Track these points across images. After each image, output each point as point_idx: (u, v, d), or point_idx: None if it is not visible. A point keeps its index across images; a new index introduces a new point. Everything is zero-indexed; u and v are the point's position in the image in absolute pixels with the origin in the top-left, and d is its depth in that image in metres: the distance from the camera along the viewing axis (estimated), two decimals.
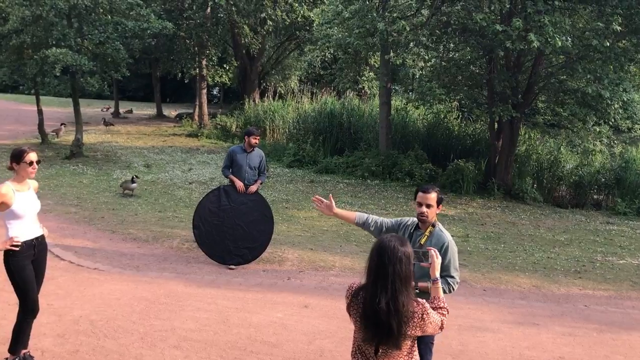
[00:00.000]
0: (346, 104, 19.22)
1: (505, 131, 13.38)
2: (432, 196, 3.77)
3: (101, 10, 16.19)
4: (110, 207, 10.69)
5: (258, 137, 7.83)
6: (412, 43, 11.80)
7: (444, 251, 3.73)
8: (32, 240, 4.57)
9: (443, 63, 12.06)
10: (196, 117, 25.15)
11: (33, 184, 4.70)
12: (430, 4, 10.95)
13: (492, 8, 10.95)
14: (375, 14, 11.16)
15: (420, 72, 14.58)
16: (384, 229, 4.06)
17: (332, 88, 26.47)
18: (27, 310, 4.59)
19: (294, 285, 7.04)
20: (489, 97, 12.63)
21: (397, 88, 15.62)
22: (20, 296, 4.58)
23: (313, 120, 18.98)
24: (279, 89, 28.05)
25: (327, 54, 19.75)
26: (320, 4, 20.00)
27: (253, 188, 7.72)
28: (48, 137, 18.94)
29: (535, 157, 15.61)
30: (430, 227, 3.82)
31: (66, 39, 14.97)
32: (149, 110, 32.40)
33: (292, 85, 28.81)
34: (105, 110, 30.56)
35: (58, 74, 14.46)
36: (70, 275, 6.99)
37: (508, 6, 10.77)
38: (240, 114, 22.57)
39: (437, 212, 3.85)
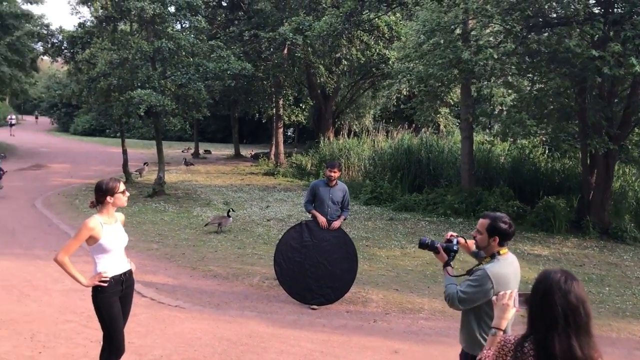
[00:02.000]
0: (424, 139, 18.77)
1: (599, 166, 12.49)
2: (482, 221, 3.52)
3: (183, 53, 16.73)
4: (190, 244, 10.67)
5: (337, 171, 7.54)
6: (499, 72, 11.29)
7: None
8: (120, 275, 4.42)
9: (534, 92, 11.43)
10: (272, 156, 25.40)
11: (120, 217, 4.60)
12: (518, 31, 10.46)
13: (583, 35, 10.36)
14: (460, 44, 10.79)
15: (509, 102, 13.94)
16: None
17: (407, 126, 26.13)
18: (113, 349, 4.41)
19: (381, 329, 6.59)
20: (581, 129, 11.86)
21: (481, 120, 15.00)
22: (106, 334, 4.41)
23: (390, 157, 18.64)
24: (354, 127, 27.96)
25: (404, 89, 19.44)
26: (396, 40, 19.84)
27: (336, 224, 7.40)
28: (132, 176, 19.56)
29: (632, 194, 14.51)
30: (488, 258, 3.51)
31: (150, 81, 15.50)
32: (227, 150, 33.17)
33: (366, 123, 28.67)
34: (185, 151, 31.50)
35: (142, 114, 14.90)
36: (151, 312, 6.87)
37: (601, 32, 10.14)
38: (315, 153, 22.55)
39: (498, 248, 3.47)
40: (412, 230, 12.23)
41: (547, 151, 17.32)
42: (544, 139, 16.90)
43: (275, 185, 19.73)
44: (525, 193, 14.88)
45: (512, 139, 14.70)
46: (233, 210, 12.42)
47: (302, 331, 6.39)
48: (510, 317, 2.68)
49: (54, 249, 9.86)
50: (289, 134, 39.43)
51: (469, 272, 3.55)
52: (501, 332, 2.63)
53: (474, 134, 17.09)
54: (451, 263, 3.68)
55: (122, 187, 4.43)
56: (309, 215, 7.69)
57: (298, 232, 7.45)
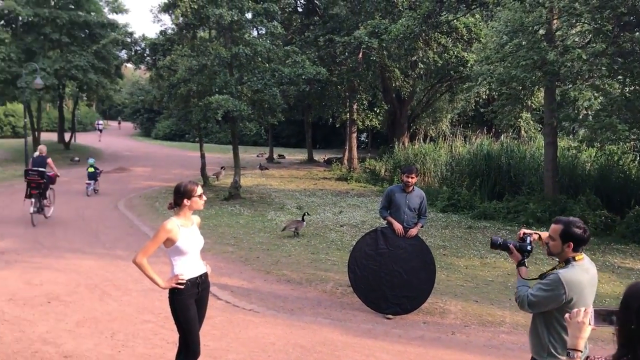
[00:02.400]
0: (504, 145, 18.09)
1: None
2: (554, 227, 3.33)
3: (260, 59, 16.95)
4: (265, 248, 10.70)
5: (414, 176, 7.28)
6: (587, 74, 10.65)
7: None
8: (196, 278, 4.41)
9: (627, 95, 10.69)
10: (345, 161, 25.31)
11: (196, 219, 4.59)
12: (609, 30, 9.83)
13: None
14: (545, 44, 10.25)
15: (596, 106, 13.16)
16: None
17: (485, 130, 25.33)
18: (189, 352, 4.40)
19: (460, 342, 6.29)
20: None
21: (564, 125, 14.26)
22: (182, 336, 4.40)
23: (468, 163, 18.11)
24: (430, 132, 27.42)
25: (484, 93, 18.81)
26: (476, 42, 19.27)
27: (413, 231, 7.15)
28: (209, 179, 20.00)
29: None
30: (563, 263, 3.33)
31: (227, 86, 15.78)
32: (300, 155, 33.42)
33: (443, 128, 28.06)
34: (260, 156, 32.04)
35: (220, 119, 15.18)
36: (226, 315, 6.88)
37: None
38: (390, 158, 22.25)
39: (572, 254, 3.28)
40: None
41: (638, 158, 16.27)
42: (635, 144, 15.90)
43: (349, 190, 19.60)
44: (613, 202, 14.00)
45: (599, 145, 13.91)
46: (308, 214, 12.42)
47: (376, 341, 6.20)
48: (586, 336, 2.41)
49: (134, 249, 10.15)
50: (362, 138, 39.28)
51: (542, 277, 3.36)
52: (579, 354, 2.40)
53: (558, 139, 16.29)
54: (526, 263, 3.51)
55: (199, 190, 4.41)
56: (384, 222, 7.49)
57: (373, 238, 7.25)
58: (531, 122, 26.30)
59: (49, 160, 13.04)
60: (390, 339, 6.30)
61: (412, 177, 7.15)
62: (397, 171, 21.01)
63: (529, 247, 3.48)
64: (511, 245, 3.53)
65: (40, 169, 12.63)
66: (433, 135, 26.70)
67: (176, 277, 4.30)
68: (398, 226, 7.11)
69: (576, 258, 3.28)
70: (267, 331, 6.36)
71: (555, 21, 12.44)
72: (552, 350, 3.27)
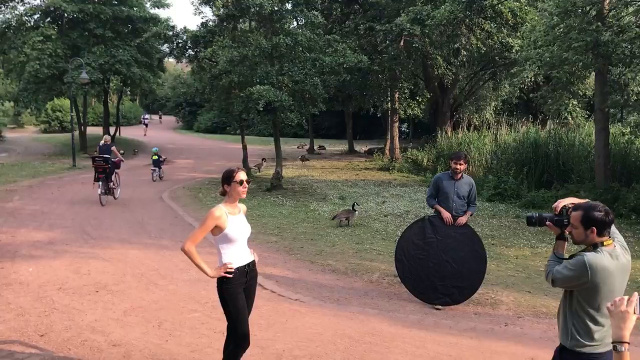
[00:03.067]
0: (552, 132, 17.52)
1: None
2: (574, 215, 3.19)
3: (300, 49, 16.82)
4: (308, 238, 10.61)
5: (463, 163, 7.03)
6: None
7: None
8: (244, 266, 4.33)
9: None
10: (387, 152, 25.02)
11: (242, 207, 4.50)
12: None
13: None
14: (600, 24, 9.78)
15: None
16: None
17: (531, 118, 24.64)
18: (238, 341, 4.32)
19: (514, 334, 6.05)
20: None
21: (611, 112, 13.67)
22: (231, 326, 4.32)
23: (514, 152, 17.63)
24: (474, 120, 26.83)
25: (530, 78, 18.14)
26: (520, 26, 18.66)
27: (462, 220, 6.92)
28: (251, 171, 20.06)
29: None
30: (591, 247, 3.16)
31: (268, 77, 15.72)
32: (341, 146, 33.28)
33: (487, 116, 27.42)
34: (301, 147, 32.01)
35: (261, 109, 15.14)
36: (272, 305, 6.81)
37: None
38: (432, 147, 21.86)
39: (599, 239, 3.11)
40: (543, 229, 11.29)
41: None
42: None
43: (391, 180, 19.36)
44: None
45: None
46: (358, 205, 12.32)
47: (427, 332, 6.02)
48: (632, 326, 2.21)
49: (179, 239, 10.20)
50: (403, 129, 38.82)
51: (571, 258, 3.20)
52: (627, 346, 2.22)
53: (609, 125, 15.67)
54: (567, 236, 3.34)
55: (241, 176, 4.28)
56: (431, 211, 7.28)
57: (421, 228, 7.06)
58: (578, 109, 25.50)
59: (113, 148, 15.10)
60: (440, 330, 6.12)
61: (460, 164, 6.91)
62: (440, 161, 20.64)
63: (565, 221, 3.29)
64: (548, 223, 3.37)
65: (105, 156, 14.28)
66: (477, 123, 26.11)
67: (225, 266, 4.22)
68: (446, 214, 6.90)
69: (604, 243, 3.12)
70: (313, 321, 6.26)
71: (606, 2, 11.90)
72: (576, 335, 3.15)
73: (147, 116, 45.55)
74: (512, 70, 16.68)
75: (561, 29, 10.86)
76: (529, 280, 7.94)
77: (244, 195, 4.35)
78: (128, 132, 39.81)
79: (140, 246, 9.84)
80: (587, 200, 3.40)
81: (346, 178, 19.97)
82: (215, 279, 4.28)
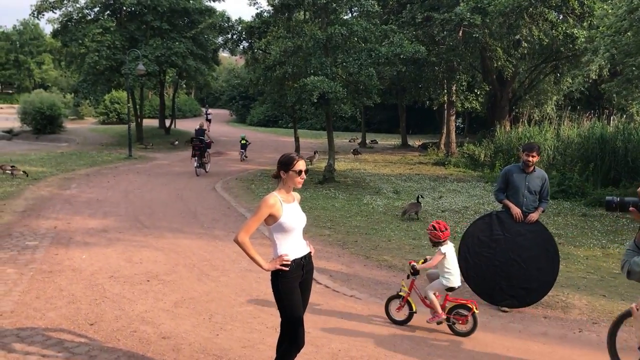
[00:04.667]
0: (620, 127, 16.52)
1: None
2: None
3: (355, 39, 16.42)
4: (362, 232, 10.25)
5: (536, 155, 6.50)
6: None
7: None
8: (301, 259, 4.02)
9: None
10: (442, 146, 24.35)
11: (297, 196, 4.19)
12: None
13: None
14: None
15: None
16: None
17: (598, 112, 23.43)
18: (293, 340, 4.00)
19: (590, 340, 5.54)
20: None
21: None
22: (285, 323, 4.01)
23: (578, 147, 16.71)
24: (534, 115, 25.77)
25: (594, 72, 17.11)
26: (588, 17, 17.68)
27: (534, 216, 6.41)
28: None
29: None
30: None
31: (323, 68, 15.40)
32: (393, 140, 32.72)
33: (548, 111, 26.30)
34: (353, 141, 31.64)
35: (315, 101, 14.83)
36: (326, 300, 6.50)
37: None
38: (490, 142, 21.06)
39: None
40: (613, 229, 10.63)
41: None
42: None
43: (447, 175, 18.76)
44: None
45: None
46: (422, 197, 11.90)
47: (494, 335, 5.58)
48: None
49: (232, 230, 10.05)
50: (458, 123, 37.85)
51: None
52: None
53: None
54: None
55: (301, 165, 3.96)
56: (499, 206, 6.80)
57: (487, 224, 6.58)
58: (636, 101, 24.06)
59: (207, 131, 19.74)
60: (509, 333, 5.67)
61: (533, 156, 6.40)
62: (498, 156, 19.87)
63: None
64: (631, 208, 3.03)
65: (200, 137, 18.54)
66: (537, 118, 25.05)
67: (281, 258, 3.92)
68: (516, 210, 6.41)
69: None
70: (371, 320, 5.91)
71: None
72: None
73: (209, 110, 42.96)
74: (583, 59, 15.75)
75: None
76: (602, 283, 7.34)
77: (300, 186, 4.03)
78: (183, 125, 40.35)
79: (193, 236, 9.71)
80: None
81: (400, 172, 19.48)
82: (270, 272, 3.99)
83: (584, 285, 7.24)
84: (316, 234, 9.99)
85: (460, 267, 6.68)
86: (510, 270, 6.40)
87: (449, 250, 5.62)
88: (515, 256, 6.40)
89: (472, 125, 36.61)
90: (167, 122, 35.22)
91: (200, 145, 18.33)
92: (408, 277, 5.82)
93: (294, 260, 3.96)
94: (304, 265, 4.06)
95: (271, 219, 3.92)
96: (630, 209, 3.01)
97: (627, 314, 4.90)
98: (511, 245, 6.42)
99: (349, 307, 6.34)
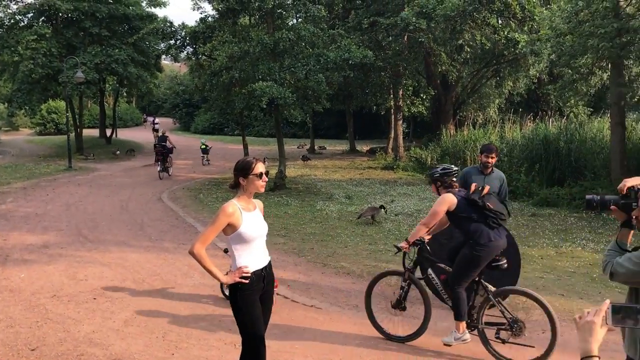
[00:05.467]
0: (562, 128, 16.99)
1: None
2: None
3: (303, 44, 16.27)
4: (318, 239, 10.05)
5: (494, 156, 6.46)
6: None
7: None
8: (261, 270, 3.77)
9: None
10: (390, 150, 24.48)
11: (258, 203, 3.94)
12: None
13: None
14: (633, 9, 9.23)
15: None
16: None
17: (532, 116, 24.08)
18: (254, 354, 3.75)
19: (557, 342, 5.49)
20: None
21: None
22: (246, 339, 3.76)
23: (523, 149, 17.08)
24: (478, 118, 26.31)
25: (534, 75, 17.62)
26: (529, 21, 18.15)
27: None
28: None
29: None
30: None
31: (271, 73, 15.16)
32: (341, 146, 32.74)
33: (491, 114, 26.90)
34: (301, 147, 31.49)
35: (264, 106, 14.58)
36: (286, 312, 6.25)
37: None
38: (437, 146, 21.32)
39: None
40: (562, 227, 10.82)
41: None
42: None
43: (396, 179, 18.82)
44: None
45: None
46: (385, 208, 11.81)
47: (465, 342, 5.46)
48: (600, 339, 1.85)
49: (181, 242, 9.65)
50: (403, 128, 38.23)
51: (635, 250, 2.69)
52: None
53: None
54: (635, 224, 2.76)
55: (260, 168, 3.71)
56: None
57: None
58: (580, 105, 24.97)
59: (169, 138, 20.95)
60: (474, 338, 5.55)
61: (492, 157, 6.36)
62: (445, 159, 20.09)
63: (634, 205, 2.74)
64: (612, 207, 2.82)
65: (163, 143, 20.19)
66: (481, 121, 25.58)
67: (240, 270, 3.66)
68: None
69: None
70: (333, 330, 5.70)
71: None
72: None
73: (156, 120, 39.16)
74: (529, 61, 16.10)
75: (586, 15, 10.31)
76: (559, 282, 7.39)
77: (263, 190, 3.79)
78: (125, 134, 39.19)
79: (141, 249, 9.26)
80: None
81: (350, 177, 19.42)
82: (228, 286, 3.73)
83: (542, 285, 7.26)
84: (270, 242, 9.62)
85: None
86: None
87: None
88: None
89: (417, 129, 37.07)
90: (108, 132, 34.09)
91: (162, 150, 19.80)
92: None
93: (255, 272, 3.71)
94: (264, 276, 3.81)
95: (230, 229, 3.66)
96: (612, 207, 2.89)
97: (383, 275, 5.78)
98: None
99: (309, 317, 6.11)
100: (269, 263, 3.90)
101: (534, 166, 15.52)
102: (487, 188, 5.31)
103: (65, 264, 8.20)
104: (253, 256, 3.75)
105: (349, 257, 8.74)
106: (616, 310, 1.86)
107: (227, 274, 3.79)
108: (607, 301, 1.91)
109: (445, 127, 22.56)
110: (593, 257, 8.62)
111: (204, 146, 24.51)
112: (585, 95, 15.48)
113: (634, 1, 10.40)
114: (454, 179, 5.14)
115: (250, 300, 3.72)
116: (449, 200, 4.94)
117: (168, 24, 18.94)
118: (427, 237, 5.37)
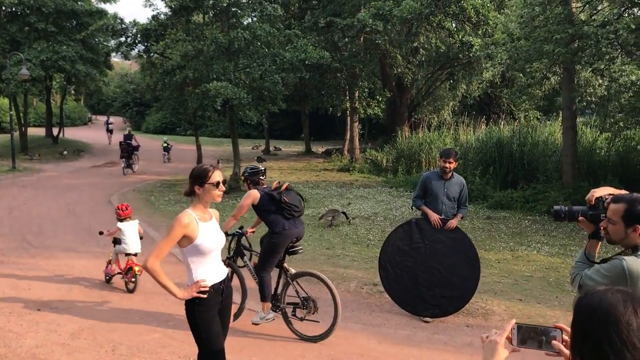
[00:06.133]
0: (515, 132, 17.29)
1: None
2: (614, 207, 2.63)
3: (259, 44, 16.02)
4: None
5: (453, 161, 6.42)
6: (634, 48, 9.80)
7: None
8: (219, 283, 3.56)
9: None
10: (346, 152, 24.45)
11: (215, 213, 3.72)
12: None
13: None
14: (584, 17, 9.40)
15: (616, 88, 12.30)
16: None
17: (486, 119, 24.53)
18: None
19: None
20: None
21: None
22: (203, 354, 3.55)
23: (477, 151, 17.30)
24: (433, 120, 26.60)
25: (494, 75, 17.86)
26: (484, 25, 18.40)
27: (453, 223, 6.30)
28: None
29: None
30: (629, 250, 2.64)
31: (226, 73, 14.85)
32: (296, 147, 32.56)
33: (445, 116, 27.24)
34: (256, 148, 31.16)
35: (219, 108, 14.26)
36: (242, 322, 6.02)
37: None
38: (392, 148, 21.40)
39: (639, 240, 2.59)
40: (517, 230, 10.94)
41: None
42: None
43: (352, 181, 18.76)
44: (637, 189, 13.23)
45: (618, 130, 13.18)
46: (347, 217, 11.63)
47: (420, 349, 5.37)
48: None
49: None
50: (359, 129, 38.36)
51: (604, 262, 2.69)
52: None
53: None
54: (602, 234, 2.75)
55: (217, 176, 3.52)
56: (407, 211, 6.65)
57: (407, 232, 6.41)
58: (530, 109, 25.56)
59: (134, 136, 22.11)
60: (434, 346, 5.48)
61: (450, 162, 6.31)
62: (400, 161, 20.18)
63: (603, 216, 2.73)
64: (580, 217, 2.80)
65: (128, 141, 21.10)
66: (435, 123, 25.87)
67: (197, 285, 3.45)
68: (434, 217, 6.27)
69: None
70: (292, 340, 5.52)
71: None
72: None
73: (111, 120, 35.74)
74: (486, 65, 16.30)
75: (542, 21, 10.43)
76: (516, 287, 7.41)
77: (219, 200, 3.58)
78: (73, 133, 37.92)
79: (89, 255, 8.85)
80: (625, 191, 2.83)
81: (306, 179, 19.25)
82: (184, 301, 3.51)
83: (500, 290, 7.27)
84: (225, 247, 9.43)
85: (381, 277, 6.54)
86: (432, 279, 6.26)
87: (125, 226, 7.18)
88: (436, 264, 6.27)
89: (372, 130, 37.26)
90: (55, 131, 32.85)
91: (127, 148, 20.72)
92: None
93: (212, 286, 3.50)
94: (223, 289, 3.61)
95: (185, 241, 3.44)
96: (580, 218, 2.83)
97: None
98: (432, 254, 6.29)
99: (266, 326, 5.90)
100: (228, 275, 3.70)
101: (488, 169, 15.71)
102: (285, 185, 5.91)
103: (7, 272, 7.75)
104: (210, 269, 3.54)
105: (306, 262, 8.55)
106: (521, 330, 1.80)
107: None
108: (513, 321, 1.84)
109: (401, 129, 22.67)
110: (548, 260, 8.72)
111: (165, 144, 25.53)
112: (539, 100, 15.76)
113: (586, 7, 10.63)
114: (262, 177, 5.92)
115: (208, 316, 3.51)
116: (253, 195, 5.69)
117: (118, 20, 18.38)
118: (249, 230, 6.25)
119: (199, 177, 3.51)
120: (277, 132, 42.33)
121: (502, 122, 21.61)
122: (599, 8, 10.42)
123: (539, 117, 26.91)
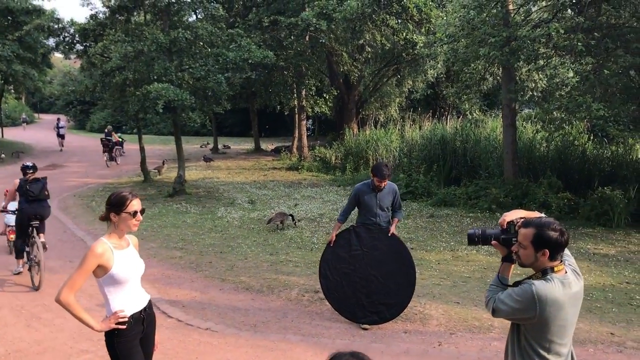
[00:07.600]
0: (458, 128, 17.59)
1: None
2: (524, 232, 2.69)
3: (201, 43, 15.75)
4: (217, 250, 9.70)
5: (386, 181, 6.40)
6: (564, 51, 10.06)
7: None
8: (140, 312, 3.45)
9: (606, 71, 10.11)
10: (295, 150, 24.39)
11: (133, 239, 3.60)
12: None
13: None
14: (518, 19, 9.60)
15: (553, 85, 12.62)
16: None
17: (431, 114, 24.88)
18: None
19: (450, 354, 5.54)
20: None
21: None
22: None
23: (422, 148, 17.54)
24: (380, 117, 26.82)
25: (435, 73, 18.09)
26: (426, 23, 18.61)
27: (392, 230, 6.36)
28: (150, 174, 18.66)
29: None
30: (539, 273, 2.69)
31: (167, 74, 14.53)
32: (246, 144, 32.26)
33: (391, 113, 27.51)
34: (204, 146, 30.71)
35: (161, 110, 13.93)
36: (178, 338, 5.91)
37: None
38: (340, 145, 21.47)
39: (550, 264, 2.67)
40: (459, 229, 11.14)
41: (592, 138, 16.06)
42: (588, 124, 15.72)
43: (301, 180, 18.72)
44: (574, 184, 13.69)
45: (556, 126, 13.57)
46: (294, 219, 11.54)
47: None
48: None
49: (69, 259, 8.99)
50: (308, 126, 38.35)
51: (516, 285, 2.74)
52: None
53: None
54: (515, 257, 2.79)
55: (135, 205, 3.39)
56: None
57: (346, 239, 6.41)
58: (475, 105, 26.05)
59: (113, 133, 24.45)
60: (372, 355, 5.42)
61: (384, 183, 6.33)
62: (349, 159, 20.26)
63: (514, 240, 2.79)
64: (494, 242, 2.86)
65: (108, 137, 23.64)
66: (382, 120, 26.09)
67: (115, 316, 3.33)
68: (331, 237, 6.46)
69: (555, 269, 2.66)
70: (229, 355, 5.45)
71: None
72: None
73: (62, 123, 30.83)
74: (426, 66, 16.51)
75: (477, 24, 10.61)
76: (455, 289, 7.53)
77: (135, 229, 3.46)
78: (13, 134, 36.49)
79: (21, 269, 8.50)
80: (538, 214, 2.88)
81: (254, 179, 19.10)
82: (104, 333, 3.39)
83: (438, 292, 7.36)
84: (166, 256, 9.26)
85: (321, 284, 6.54)
86: (370, 286, 6.28)
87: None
88: (374, 271, 6.30)
89: (322, 127, 37.33)
90: None
91: (107, 143, 23.34)
92: None
93: (132, 316, 3.39)
94: (144, 318, 3.50)
95: (100, 271, 3.31)
96: (492, 242, 2.87)
97: None
98: (369, 261, 6.31)
99: (204, 342, 5.80)
100: (149, 302, 3.59)
101: (432, 166, 15.94)
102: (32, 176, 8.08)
103: None
104: (129, 298, 3.43)
105: (249, 270, 8.48)
106: None
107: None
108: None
109: (349, 126, 22.77)
110: (487, 260, 8.90)
111: (120, 139, 26.34)
112: (480, 98, 16.06)
113: (521, 10, 10.87)
114: (29, 172, 8.06)
115: (129, 347, 3.40)
116: (13, 184, 8.10)
117: (55, 19, 17.74)
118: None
119: (116, 205, 3.39)
120: (227, 129, 41.84)
121: (448, 117, 21.96)
122: (534, 10, 10.66)
123: (484, 109, 27.48)
